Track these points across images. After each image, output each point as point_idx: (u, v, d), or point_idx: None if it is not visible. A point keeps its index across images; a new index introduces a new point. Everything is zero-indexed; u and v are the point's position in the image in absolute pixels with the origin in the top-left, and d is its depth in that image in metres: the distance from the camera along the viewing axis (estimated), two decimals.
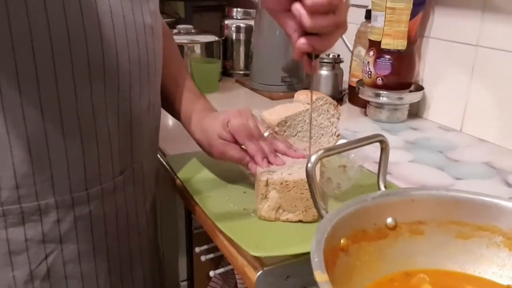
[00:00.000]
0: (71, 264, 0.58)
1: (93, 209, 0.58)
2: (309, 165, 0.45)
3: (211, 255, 0.74)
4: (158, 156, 0.82)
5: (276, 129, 0.72)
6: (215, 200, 0.65)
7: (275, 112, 0.74)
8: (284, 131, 0.73)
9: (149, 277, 0.70)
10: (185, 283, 0.85)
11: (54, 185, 0.54)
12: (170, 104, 0.76)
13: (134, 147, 0.62)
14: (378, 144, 0.53)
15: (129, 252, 0.65)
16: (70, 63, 0.51)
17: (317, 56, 0.50)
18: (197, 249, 0.76)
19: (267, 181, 0.58)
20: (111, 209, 0.60)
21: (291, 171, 0.61)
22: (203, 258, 0.74)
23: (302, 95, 0.75)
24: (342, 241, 0.45)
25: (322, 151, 0.46)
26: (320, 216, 0.46)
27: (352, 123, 1.01)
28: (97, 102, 0.55)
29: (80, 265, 0.59)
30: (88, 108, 0.54)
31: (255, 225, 0.59)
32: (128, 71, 0.57)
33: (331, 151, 0.47)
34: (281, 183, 0.58)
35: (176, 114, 0.76)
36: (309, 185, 0.46)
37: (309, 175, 0.45)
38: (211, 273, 0.74)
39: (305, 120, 0.74)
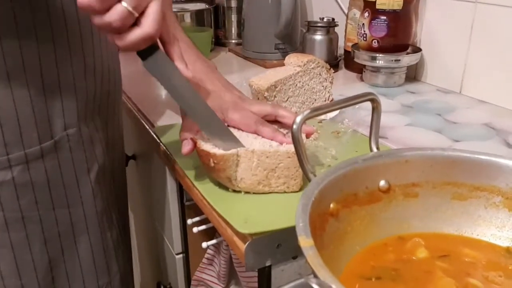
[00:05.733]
0: None
1: (17, 175, 0.55)
2: (295, 126, 0.42)
3: (203, 227, 0.72)
4: (146, 126, 0.80)
5: (266, 94, 0.68)
6: (204, 170, 0.62)
7: (264, 77, 0.71)
8: (275, 97, 0.70)
9: (100, 251, 0.67)
10: (180, 256, 0.84)
11: None
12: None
13: (66, 112, 0.58)
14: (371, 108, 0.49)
15: (70, 223, 0.62)
16: None
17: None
18: (189, 221, 0.75)
19: None
20: (40, 176, 0.58)
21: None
22: (195, 229, 0.72)
23: (292, 58, 0.71)
24: (331, 205, 0.43)
25: (308, 111, 0.43)
26: (308, 180, 0.43)
27: (347, 88, 0.98)
28: (10, 60, 0.51)
29: (9, 234, 0.57)
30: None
31: (245, 197, 0.57)
32: (48, 27, 0.53)
33: (317, 110, 0.44)
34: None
35: None
36: (295, 147, 0.43)
37: (295, 138, 0.43)
38: (204, 245, 0.73)
39: (296, 84, 0.71)
